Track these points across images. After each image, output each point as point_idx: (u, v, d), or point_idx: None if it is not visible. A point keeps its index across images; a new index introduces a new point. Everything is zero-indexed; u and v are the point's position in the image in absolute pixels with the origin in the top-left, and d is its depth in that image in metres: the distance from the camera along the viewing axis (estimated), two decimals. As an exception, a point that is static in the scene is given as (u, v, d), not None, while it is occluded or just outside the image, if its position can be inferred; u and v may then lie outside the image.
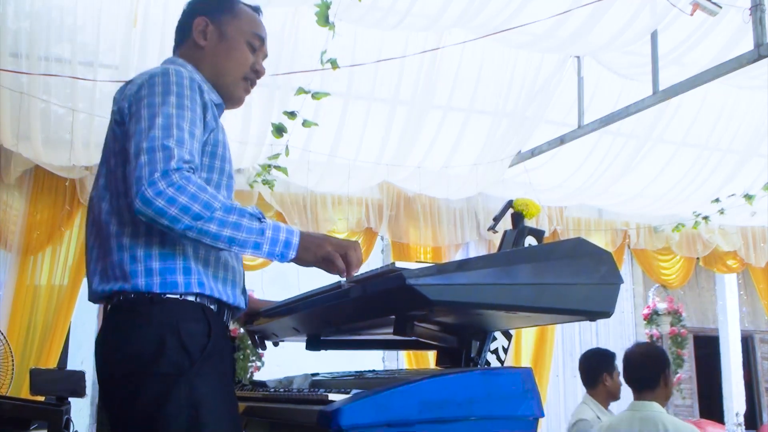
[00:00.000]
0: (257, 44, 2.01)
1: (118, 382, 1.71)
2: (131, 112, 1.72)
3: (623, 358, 3.62)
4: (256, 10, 2.07)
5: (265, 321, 2.24)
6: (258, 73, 2.03)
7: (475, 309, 1.71)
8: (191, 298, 1.72)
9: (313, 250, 1.73)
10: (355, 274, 1.76)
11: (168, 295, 1.70)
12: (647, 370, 3.43)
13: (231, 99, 2.01)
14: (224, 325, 1.83)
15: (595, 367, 4.47)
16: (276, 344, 2.45)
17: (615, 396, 4.46)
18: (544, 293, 1.66)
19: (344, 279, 1.78)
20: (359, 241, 1.81)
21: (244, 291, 1.93)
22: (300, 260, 1.73)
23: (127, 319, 1.71)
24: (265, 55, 2.07)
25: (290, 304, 2.10)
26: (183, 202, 1.57)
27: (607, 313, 1.73)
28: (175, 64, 1.92)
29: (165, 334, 1.66)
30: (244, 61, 1.99)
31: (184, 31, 2.03)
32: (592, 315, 1.74)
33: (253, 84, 2.04)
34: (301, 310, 2.03)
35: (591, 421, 4.26)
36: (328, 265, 1.76)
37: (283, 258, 1.69)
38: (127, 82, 1.86)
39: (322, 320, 2.06)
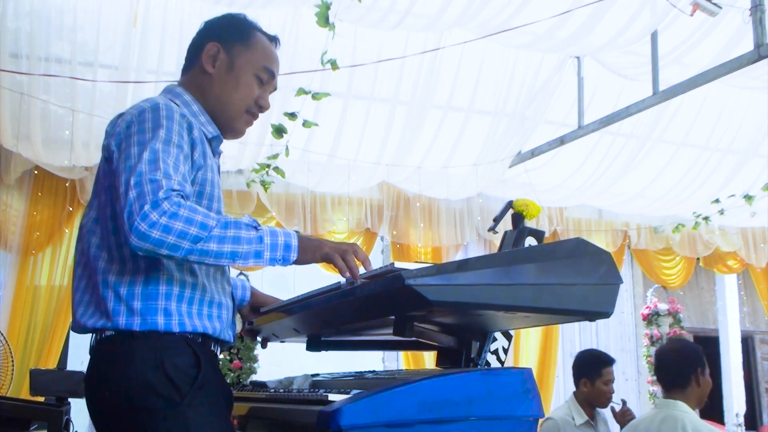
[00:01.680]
0: (266, 78, 1.96)
1: (109, 417, 1.71)
2: (120, 149, 1.70)
3: (654, 355, 3.42)
4: (273, 40, 2.02)
5: (265, 321, 2.23)
6: (262, 108, 1.98)
7: (475, 309, 1.70)
8: (174, 332, 1.72)
9: (312, 251, 1.72)
10: (361, 275, 1.75)
11: (148, 332, 1.69)
12: (678, 367, 3.25)
13: (231, 130, 1.97)
14: (213, 354, 1.81)
15: (577, 369, 4.43)
16: (264, 346, 2.44)
17: (599, 404, 4.36)
18: (544, 293, 1.66)
19: (345, 280, 1.77)
20: (358, 243, 1.81)
21: (233, 324, 1.92)
22: (302, 262, 1.72)
23: (111, 355, 1.70)
24: (274, 89, 2.02)
25: (290, 305, 2.10)
26: (179, 228, 1.55)
27: (606, 314, 1.73)
28: (171, 94, 1.91)
29: (148, 369, 1.65)
30: (249, 94, 1.94)
31: (194, 53, 1.97)
32: (592, 315, 1.74)
33: (255, 117, 2.00)
34: (301, 311, 2.02)
35: (558, 421, 4.25)
36: (330, 263, 1.75)
37: (285, 261, 1.68)
38: (119, 115, 1.83)
39: (321, 321, 2.06)
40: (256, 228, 1.67)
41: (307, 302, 1.97)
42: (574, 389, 4.47)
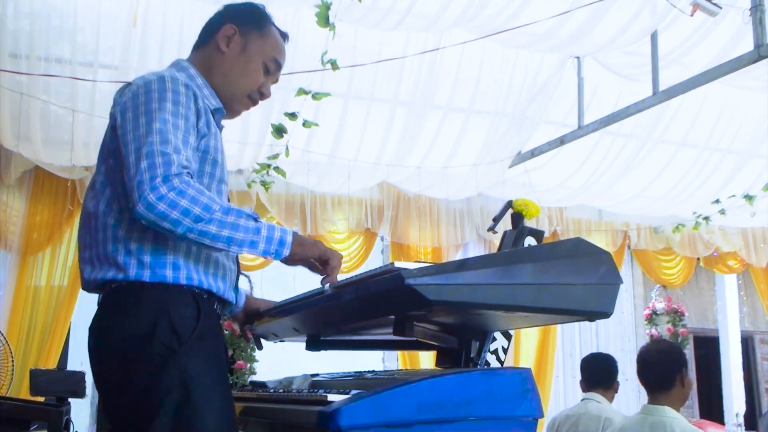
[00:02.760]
0: (272, 68, 2.06)
1: (112, 364, 1.75)
2: (128, 117, 1.76)
3: (637, 357, 3.42)
4: (284, 36, 2.13)
5: (265, 321, 2.24)
6: (263, 95, 2.07)
7: (474, 309, 1.70)
8: (182, 284, 1.78)
9: (307, 249, 1.81)
10: (338, 282, 1.83)
11: (157, 283, 1.76)
12: (663, 369, 3.21)
13: (229, 110, 2.04)
14: (215, 312, 1.87)
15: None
16: (260, 347, 2.44)
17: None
18: (543, 293, 1.66)
19: (327, 286, 1.85)
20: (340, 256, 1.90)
21: (236, 288, 1.99)
22: (293, 258, 1.80)
23: (119, 305, 1.77)
24: (276, 80, 2.11)
25: (290, 305, 2.10)
26: (184, 206, 1.63)
27: (606, 314, 1.73)
28: (177, 67, 1.97)
29: (156, 316, 1.71)
30: (254, 79, 2.03)
31: (210, 32, 2.05)
32: (592, 315, 1.74)
33: (254, 103, 2.08)
34: (301, 311, 2.03)
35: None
36: (322, 264, 1.84)
37: (277, 255, 1.76)
38: (127, 84, 1.90)
39: (321, 321, 2.06)
40: (255, 219, 1.75)
41: (306, 302, 1.98)
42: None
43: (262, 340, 2.43)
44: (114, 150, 1.83)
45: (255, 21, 2.05)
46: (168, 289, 1.75)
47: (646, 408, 3.23)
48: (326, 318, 2.01)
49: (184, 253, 1.79)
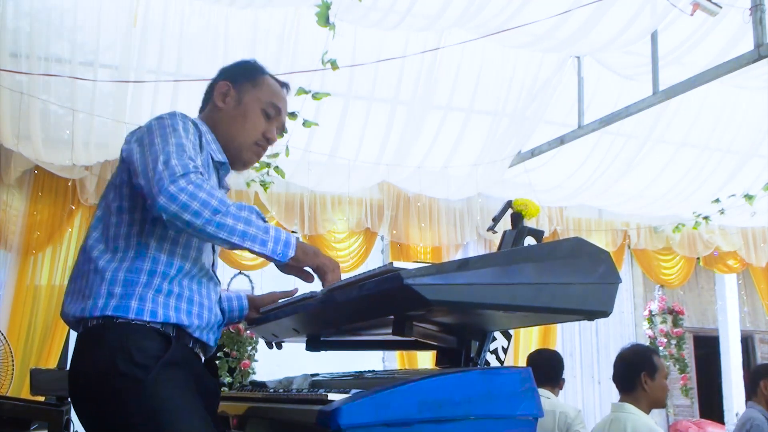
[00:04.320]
0: (272, 113, 2.12)
1: (85, 405, 1.79)
2: (142, 143, 1.84)
3: None
4: (283, 85, 2.21)
5: (264, 321, 2.24)
6: (269, 140, 2.13)
7: (473, 309, 1.70)
8: (143, 322, 1.78)
9: (311, 255, 1.87)
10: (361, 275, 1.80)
11: (119, 320, 1.77)
12: (623, 371, 3.45)
13: (240, 161, 2.11)
14: (188, 348, 1.87)
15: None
16: (271, 347, 2.45)
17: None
18: (542, 293, 1.66)
19: (320, 290, 1.88)
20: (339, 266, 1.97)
21: (213, 330, 1.97)
22: (296, 261, 1.84)
23: (84, 343, 1.81)
24: (282, 124, 2.18)
25: (289, 305, 2.10)
26: (203, 197, 1.70)
27: (605, 313, 1.73)
28: (191, 121, 2.03)
29: (115, 353, 1.73)
30: (256, 127, 2.09)
31: (209, 93, 2.15)
32: (591, 314, 1.74)
33: (264, 150, 2.15)
34: (300, 311, 2.03)
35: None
36: (320, 275, 1.89)
37: (283, 257, 1.81)
38: (138, 128, 1.98)
39: (321, 321, 2.06)
40: (263, 219, 1.83)
41: (305, 303, 1.98)
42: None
43: (265, 342, 2.43)
44: (116, 183, 1.91)
45: (247, 74, 2.14)
46: (129, 327, 1.76)
47: (612, 405, 3.49)
48: (326, 318, 2.01)
49: (155, 287, 1.81)
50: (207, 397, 1.88)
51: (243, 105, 2.09)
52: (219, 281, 2.06)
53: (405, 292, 1.53)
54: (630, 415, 3.32)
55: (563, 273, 1.69)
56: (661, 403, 3.49)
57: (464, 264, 1.63)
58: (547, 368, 4.46)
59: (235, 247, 1.77)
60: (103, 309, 1.77)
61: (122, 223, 1.86)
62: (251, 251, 1.78)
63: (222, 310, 2.04)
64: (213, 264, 2.04)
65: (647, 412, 3.40)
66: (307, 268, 1.90)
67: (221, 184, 2.07)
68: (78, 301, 1.84)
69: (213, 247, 2.01)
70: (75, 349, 1.83)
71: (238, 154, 2.09)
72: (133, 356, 1.72)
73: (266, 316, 2.23)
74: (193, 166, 1.74)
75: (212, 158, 1.99)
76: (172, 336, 1.81)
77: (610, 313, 1.74)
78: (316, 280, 1.93)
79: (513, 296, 1.64)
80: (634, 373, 3.38)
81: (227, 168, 2.08)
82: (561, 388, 4.54)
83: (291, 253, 1.82)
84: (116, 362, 1.71)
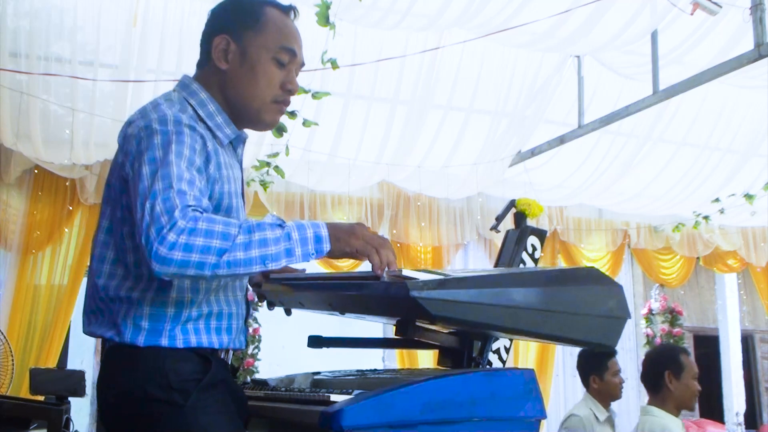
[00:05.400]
0: (286, 58, 1.81)
1: (119, 424, 1.70)
2: (134, 170, 1.63)
3: None
4: (289, 10, 1.86)
5: (273, 289, 2.20)
6: (291, 91, 1.84)
7: (476, 328, 1.69)
8: (178, 348, 1.69)
9: (344, 241, 1.62)
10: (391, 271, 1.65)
11: (153, 346, 1.67)
12: (648, 370, 3.40)
13: (261, 123, 1.86)
14: (222, 361, 1.77)
15: (582, 368, 4.44)
16: (271, 308, 2.39)
17: (612, 396, 4.39)
18: (548, 320, 1.64)
19: (384, 274, 1.66)
20: (388, 239, 1.67)
21: (242, 331, 1.86)
22: (335, 252, 1.62)
23: (115, 366, 1.70)
24: (301, 65, 1.87)
25: (301, 281, 2.05)
26: (200, 244, 1.48)
27: (609, 347, 1.73)
28: (186, 91, 1.80)
29: (150, 376, 1.63)
30: (271, 82, 1.80)
31: (205, 48, 1.84)
32: (595, 347, 1.73)
33: (286, 104, 1.87)
34: (311, 290, 2.01)
35: (583, 418, 4.25)
36: (361, 257, 1.64)
37: (319, 254, 1.59)
38: (127, 123, 1.74)
39: (327, 303, 2.04)
40: (281, 226, 1.58)
41: (318, 283, 1.96)
42: (584, 389, 4.47)
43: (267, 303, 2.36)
44: (122, 203, 1.72)
45: (245, 18, 1.81)
46: (164, 350, 1.66)
47: (640, 408, 3.49)
48: (332, 302, 1.99)
49: (184, 319, 1.69)
50: (240, 406, 1.79)
51: (249, 60, 1.78)
52: None
53: (410, 303, 1.53)
54: (649, 417, 3.26)
55: (572, 302, 1.66)
56: (688, 405, 3.40)
57: (472, 281, 1.62)
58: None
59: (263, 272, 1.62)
60: (132, 340, 1.66)
61: (139, 249, 1.62)
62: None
63: (247, 300, 1.91)
64: None
65: (675, 414, 3.30)
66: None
67: (235, 148, 1.85)
68: (102, 325, 1.72)
69: None
70: (106, 365, 1.73)
71: (258, 117, 1.83)
72: (169, 381, 1.62)
73: (278, 282, 2.18)
74: (182, 207, 1.50)
75: (220, 142, 1.76)
76: (209, 355, 1.70)
77: (615, 347, 1.72)
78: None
79: (518, 320, 1.62)
80: (659, 372, 3.32)
81: (241, 138, 1.86)
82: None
83: (326, 246, 1.59)
84: (153, 387, 1.62)
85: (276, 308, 2.37)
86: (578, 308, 1.67)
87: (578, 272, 1.76)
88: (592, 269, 1.76)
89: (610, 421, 4.35)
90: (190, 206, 1.52)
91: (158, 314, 1.67)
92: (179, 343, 1.67)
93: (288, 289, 2.10)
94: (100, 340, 1.77)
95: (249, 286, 2.14)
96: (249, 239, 1.52)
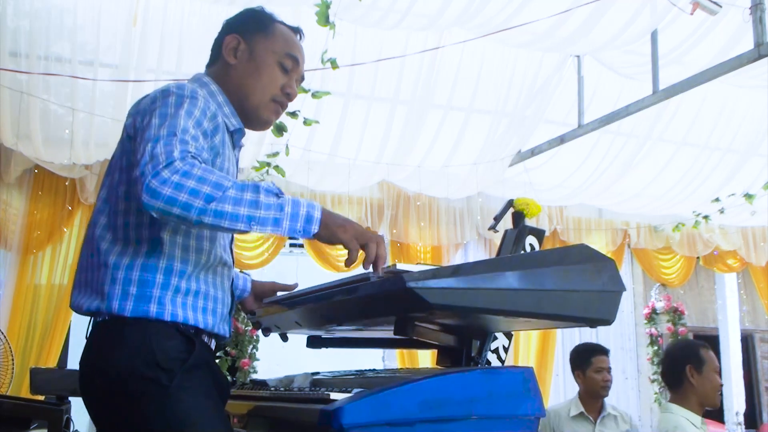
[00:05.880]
0: (290, 65, 1.95)
1: (101, 402, 1.70)
2: (143, 124, 1.68)
3: None
4: (296, 31, 2.03)
5: (268, 312, 2.22)
6: (289, 95, 1.96)
7: (475, 313, 1.70)
8: (164, 322, 1.69)
9: (333, 231, 1.63)
10: (383, 268, 1.66)
11: (141, 317, 1.68)
12: (667, 366, 3.31)
13: (257, 121, 1.95)
14: (205, 345, 1.79)
15: (570, 364, 4.44)
16: (266, 335, 2.41)
17: (593, 393, 4.37)
18: (545, 299, 1.65)
19: (372, 272, 1.67)
20: (383, 236, 1.70)
21: (227, 320, 1.89)
22: (322, 237, 1.63)
23: (101, 341, 1.70)
24: (301, 78, 2.00)
25: (293, 299, 2.08)
26: (191, 186, 1.50)
27: (607, 321, 1.73)
28: (198, 83, 1.89)
29: (137, 354, 1.64)
30: (273, 81, 1.92)
31: (217, 48, 1.97)
32: (593, 322, 1.74)
33: (283, 107, 1.98)
34: (303, 305, 2.02)
35: (550, 412, 4.30)
36: (348, 248, 1.65)
37: (305, 233, 1.60)
38: (144, 96, 1.82)
39: (323, 316, 2.06)
40: (277, 195, 1.60)
41: (309, 297, 1.97)
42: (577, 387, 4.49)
43: (262, 331, 2.39)
44: (121, 165, 1.77)
45: (257, 24, 1.96)
46: (150, 324, 1.67)
47: (660, 405, 3.31)
48: (328, 314, 2.00)
49: (173, 288, 1.71)
50: (221, 390, 1.80)
51: (256, 58, 1.91)
52: (233, 260, 1.95)
53: (407, 294, 1.53)
54: (666, 414, 3.18)
55: (567, 280, 1.68)
56: (712, 400, 3.30)
57: (467, 268, 1.63)
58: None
59: (245, 232, 1.61)
60: (120, 310, 1.67)
61: (131, 211, 1.71)
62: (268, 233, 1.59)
63: (233, 294, 1.95)
64: (231, 241, 1.93)
65: (698, 411, 3.22)
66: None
67: (235, 145, 1.91)
68: (89, 295, 1.73)
69: None
70: (91, 343, 1.73)
71: (256, 113, 1.92)
72: (156, 358, 1.63)
73: (270, 305, 2.21)
74: (181, 151, 1.55)
75: (227, 127, 1.84)
76: (193, 336, 1.72)
77: (613, 321, 1.73)
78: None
79: (515, 302, 1.63)
80: (679, 367, 3.21)
81: (242, 132, 1.92)
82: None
83: (314, 229, 1.60)
84: (139, 364, 1.63)
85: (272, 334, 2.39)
86: (573, 285, 1.68)
87: (570, 250, 1.76)
88: (583, 246, 1.77)
89: (585, 417, 4.34)
90: (190, 152, 1.57)
91: (147, 280, 1.69)
92: (167, 315, 1.68)
93: (283, 309, 2.11)
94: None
95: (243, 313, 2.18)
96: (241, 196, 1.54)
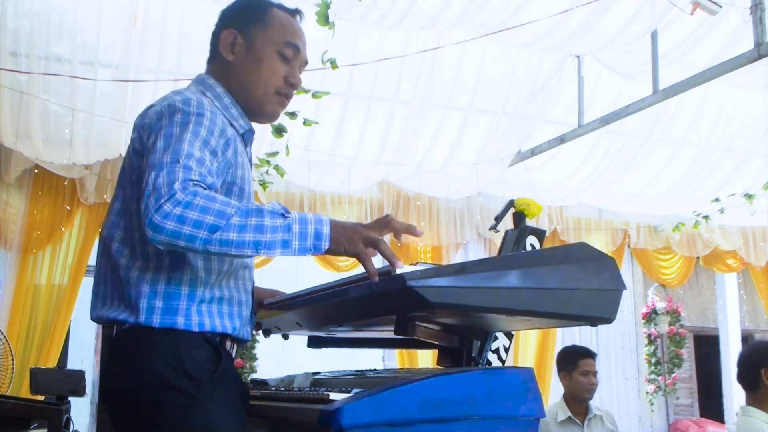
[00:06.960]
0: (290, 53, 1.90)
1: (127, 411, 1.69)
2: (150, 144, 1.66)
3: None
4: (294, 13, 1.96)
5: (269, 314, 2.23)
6: (293, 85, 1.92)
7: (475, 312, 1.70)
8: (193, 331, 1.70)
9: (344, 245, 1.61)
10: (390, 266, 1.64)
11: (168, 327, 1.68)
12: (742, 370, 3.21)
13: (264, 114, 1.92)
14: (229, 352, 1.79)
15: (557, 366, 4.40)
16: (267, 336, 2.41)
17: (578, 396, 4.33)
18: (546, 298, 1.65)
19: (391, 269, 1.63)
20: (387, 242, 1.66)
21: (250, 322, 1.89)
22: (332, 252, 1.61)
23: (129, 349, 1.69)
24: (304, 63, 1.96)
25: (293, 300, 2.09)
26: (194, 218, 1.48)
27: (608, 320, 1.72)
28: (203, 86, 1.87)
29: (166, 363, 1.64)
30: (274, 74, 1.88)
31: (214, 44, 1.93)
32: (594, 320, 1.73)
33: (289, 97, 1.93)
34: (304, 306, 2.02)
35: None
36: (360, 259, 1.63)
37: (317, 250, 1.58)
38: (149, 107, 1.80)
39: (324, 317, 2.06)
40: (283, 215, 1.57)
41: (309, 298, 1.97)
42: None
43: (263, 332, 2.40)
44: (132, 180, 1.75)
45: (252, 14, 1.89)
46: (178, 334, 1.67)
47: (739, 409, 3.28)
48: (329, 315, 2.00)
49: (198, 299, 1.71)
50: (245, 401, 1.81)
51: (254, 52, 1.86)
52: (251, 263, 1.93)
53: (408, 293, 1.53)
54: (746, 418, 3.11)
55: (567, 278, 1.68)
56: None
57: (467, 267, 1.62)
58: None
59: (254, 256, 1.61)
60: (147, 323, 1.66)
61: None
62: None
63: (253, 294, 1.94)
64: None
65: None
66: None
67: (247, 144, 1.89)
68: (113, 308, 1.72)
69: None
70: (116, 350, 1.71)
71: (261, 108, 1.89)
72: (185, 367, 1.63)
73: (271, 307, 2.21)
74: (183, 180, 1.52)
75: (236, 131, 1.81)
76: (219, 345, 1.72)
77: (613, 319, 1.73)
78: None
79: (515, 301, 1.62)
80: (754, 370, 3.13)
81: (252, 132, 1.91)
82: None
83: (325, 245, 1.58)
84: (167, 372, 1.62)
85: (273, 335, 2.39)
86: (574, 283, 1.68)
87: (570, 249, 1.76)
88: (583, 245, 1.77)
89: (574, 422, 4.32)
90: (192, 180, 1.54)
91: (172, 293, 1.69)
92: (194, 326, 1.68)
93: (283, 311, 2.11)
94: (99, 339, 1.78)
95: None
96: (245, 222, 1.52)
